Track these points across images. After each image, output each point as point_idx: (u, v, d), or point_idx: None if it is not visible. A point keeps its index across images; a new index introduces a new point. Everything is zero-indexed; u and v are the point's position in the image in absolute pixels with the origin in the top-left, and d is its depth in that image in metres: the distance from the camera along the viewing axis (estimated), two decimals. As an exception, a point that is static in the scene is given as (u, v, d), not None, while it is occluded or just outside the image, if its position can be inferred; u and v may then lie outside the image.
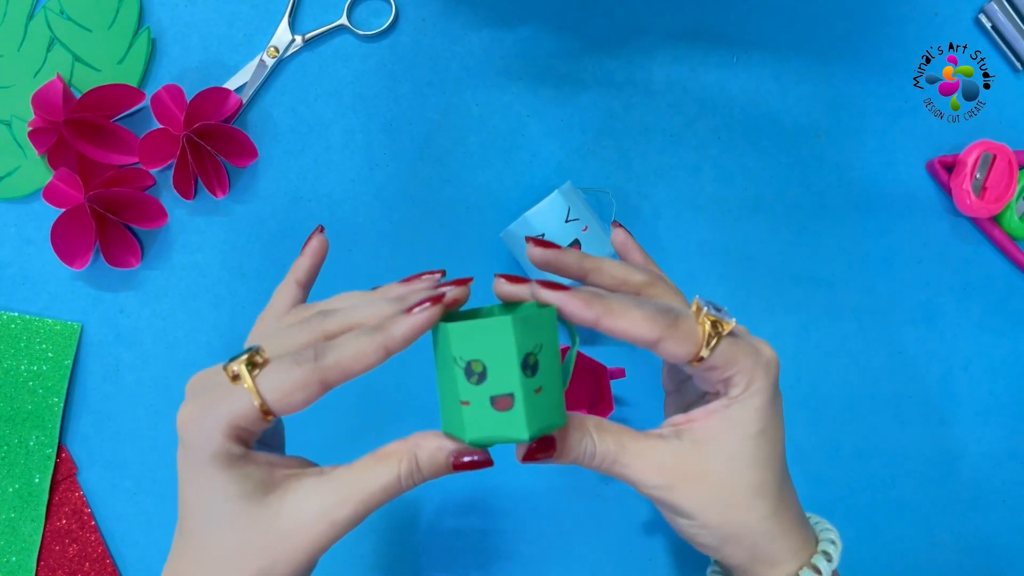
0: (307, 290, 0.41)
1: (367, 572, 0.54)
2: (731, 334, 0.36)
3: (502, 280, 0.36)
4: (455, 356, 0.32)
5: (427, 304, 0.33)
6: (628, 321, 0.35)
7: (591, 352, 0.53)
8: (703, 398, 0.40)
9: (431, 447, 0.34)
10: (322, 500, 0.34)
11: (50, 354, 0.53)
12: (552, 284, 0.35)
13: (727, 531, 0.37)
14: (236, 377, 0.33)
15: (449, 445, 0.34)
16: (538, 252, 0.38)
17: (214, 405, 0.33)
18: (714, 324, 0.36)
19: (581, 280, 0.39)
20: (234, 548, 0.34)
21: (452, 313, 0.35)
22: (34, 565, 0.52)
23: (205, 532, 0.34)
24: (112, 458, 0.54)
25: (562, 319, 0.35)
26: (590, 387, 0.53)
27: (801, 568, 0.38)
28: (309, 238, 0.42)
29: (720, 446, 0.37)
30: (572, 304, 0.34)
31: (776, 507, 0.37)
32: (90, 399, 0.54)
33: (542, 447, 0.35)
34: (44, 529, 0.53)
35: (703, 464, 0.36)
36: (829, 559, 0.38)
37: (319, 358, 0.33)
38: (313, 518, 0.34)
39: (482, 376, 0.32)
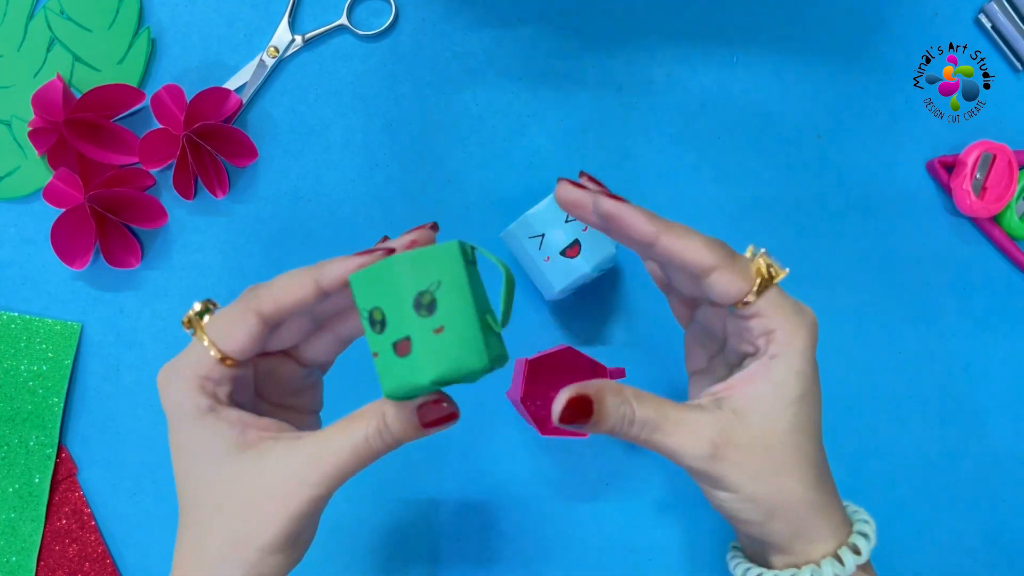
0: None
1: (366, 573, 0.54)
2: (778, 288, 0.36)
3: (565, 184, 0.37)
4: (359, 308, 0.32)
5: (368, 251, 0.34)
6: (687, 243, 0.34)
7: (590, 352, 0.53)
8: (737, 368, 0.38)
9: (397, 404, 0.34)
10: (293, 462, 0.34)
11: (50, 354, 0.53)
12: (613, 196, 0.35)
13: (772, 502, 0.36)
14: (192, 330, 0.35)
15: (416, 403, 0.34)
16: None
17: (178, 360, 0.35)
18: (769, 268, 0.35)
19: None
20: (210, 510, 0.34)
21: None
22: (34, 565, 0.52)
23: (187, 497, 0.35)
24: (112, 458, 0.54)
25: (468, 256, 0.33)
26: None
27: (840, 546, 0.37)
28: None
29: (763, 413, 0.35)
30: (635, 218, 0.34)
31: (819, 477, 0.36)
32: (90, 399, 0.54)
33: (577, 411, 0.34)
34: (44, 529, 0.53)
35: (746, 432, 0.35)
36: (867, 538, 0.37)
37: (254, 292, 0.34)
38: (283, 480, 0.33)
39: (383, 324, 0.31)
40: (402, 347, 0.31)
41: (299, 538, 0.35)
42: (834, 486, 0.38)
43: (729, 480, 0.35)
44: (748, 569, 0.39)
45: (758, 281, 0.35)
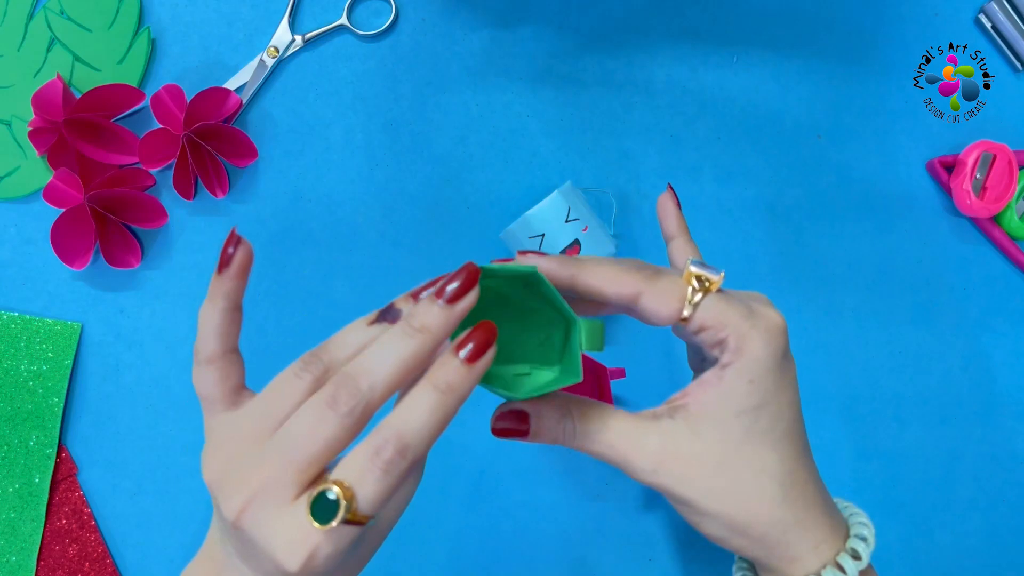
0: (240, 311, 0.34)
1: (366, 573, 0.54)
2: (721, 292, 0.33)
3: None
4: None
5: (470, 345, 0.30)
6: (603, 277, 0.33)
7: (590, 353, 0.53)
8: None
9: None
10: None
11: (50, 354, 0.53)
12: (534, 252, 0.35)
13: (732, 519, 0.34)
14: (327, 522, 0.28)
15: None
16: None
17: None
18: (699, 280, 0.33)
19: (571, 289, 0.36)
20: None
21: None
22: (34, 565, 0.52)
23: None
24: (112, 458, 0.54)
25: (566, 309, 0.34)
26: (590, 387, 0.53)
27: (824, 567, 0.34)
28: (226, 250, 0.33)
29: (713, 423, 0.33)
30: (547, 265, 0.34)
31: (787, 493, 0.34)
32: (90, 399, 0.54)
33: (511, 423, 0.35)
34: (44, 529, 0.53)
35: (696, 444, 0.33)
36: (857, 557, 0.34)
37: (396, 442, 0.28)
38: None
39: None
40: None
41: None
42: (817, 498, 0.35)
43: (678, 494, 0.34)
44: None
45: (690, 295, 0.33)
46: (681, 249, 0.40)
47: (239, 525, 0.29)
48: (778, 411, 0.34)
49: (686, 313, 0.33)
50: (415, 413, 0.29)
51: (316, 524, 0.28)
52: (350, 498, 0.28)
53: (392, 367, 0.29)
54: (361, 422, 0.29)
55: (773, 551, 0.34)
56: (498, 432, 0.35)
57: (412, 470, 0.29)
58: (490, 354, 0.30)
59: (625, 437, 0.34)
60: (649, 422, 0.34)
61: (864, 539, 0.35)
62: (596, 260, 0.34)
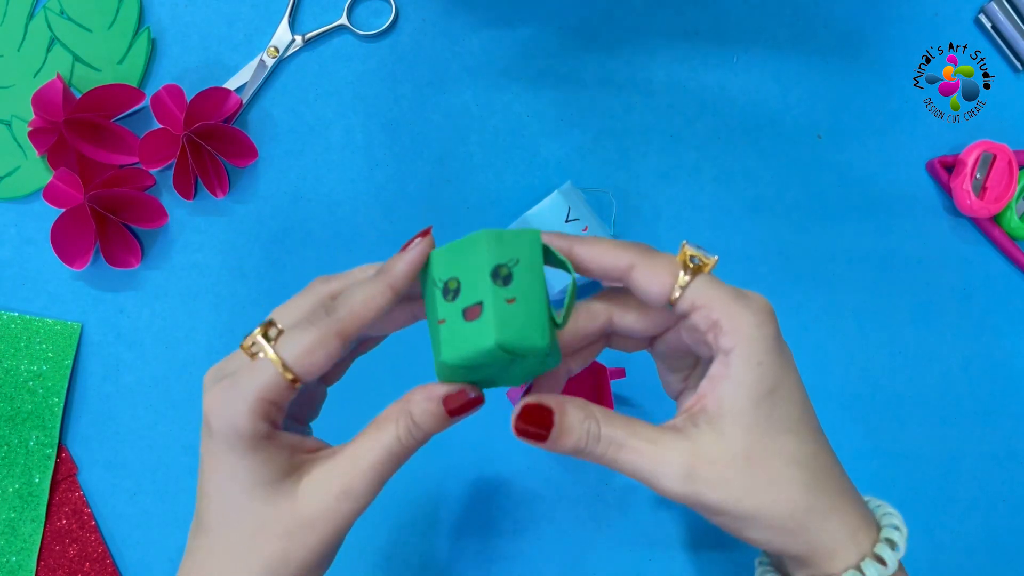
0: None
1: (368, 572, 0.54)
2: (712, 276, 0.34)
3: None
4: (435, 278, 0.33)
5: (418, 240, 0.34)
6: (600, 248, 0.34)
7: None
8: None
9: (420, 399, 0.34)
10: (334, 479, 0.33)
11: (50, 354, 0.53)
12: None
13: (770, 517, 0.33)
14: (255, 354, 0.33)
15: (437, 392, 0.34)
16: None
17: (240, 382, 0.32)
18: (693, 257, 0.34)
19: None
20: (249, 535, 0.33)
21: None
22: (34, 565, 0.52)
23: (222, 523, 0.34)
24: (112, 458, 0.54)
25: (553, 258, 0.34)
26: (590, 387, 0.53)
27: (863, 558, 0.33)
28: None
29: (735, 417, 0.32)
30: (547, 237, 0.34)
31: (815, 477, 0.33)
32: (90, 399, 0.54)
33: (536, 421, 0.33)
34: (44, 529, 0.53)
35: (723, 444, 0.32)
36: (894, 547, 0.34)
37: (331, 313, 0.32)
38: (325, 498, 0.33)
39: (456, 292, 0.33)
40: (472, 311, 0.32)
41: (335, 551, 0.35)
42: (844, 483, 0.35)
43: (713, 502, 0.32)
44: None
45: (682, 272, 0.33)
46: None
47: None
48: (790, 394, 0.34)
49: (676, 294, 0.33)
50: (351, 289, 0.34)
51: (240, 346, 0.33)
52: (277, 332, 0.33)
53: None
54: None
55: (811, 543, 0.33)
56: (520, 431, 0.34)
57: (338, 340, 0.32)
58: (423, 244, 0.34)
59: (653, 445, 0.33)
60: (674, 432, 0.33)
61: (897, 528, 0.35)
62: (595, 236, 0.35)
